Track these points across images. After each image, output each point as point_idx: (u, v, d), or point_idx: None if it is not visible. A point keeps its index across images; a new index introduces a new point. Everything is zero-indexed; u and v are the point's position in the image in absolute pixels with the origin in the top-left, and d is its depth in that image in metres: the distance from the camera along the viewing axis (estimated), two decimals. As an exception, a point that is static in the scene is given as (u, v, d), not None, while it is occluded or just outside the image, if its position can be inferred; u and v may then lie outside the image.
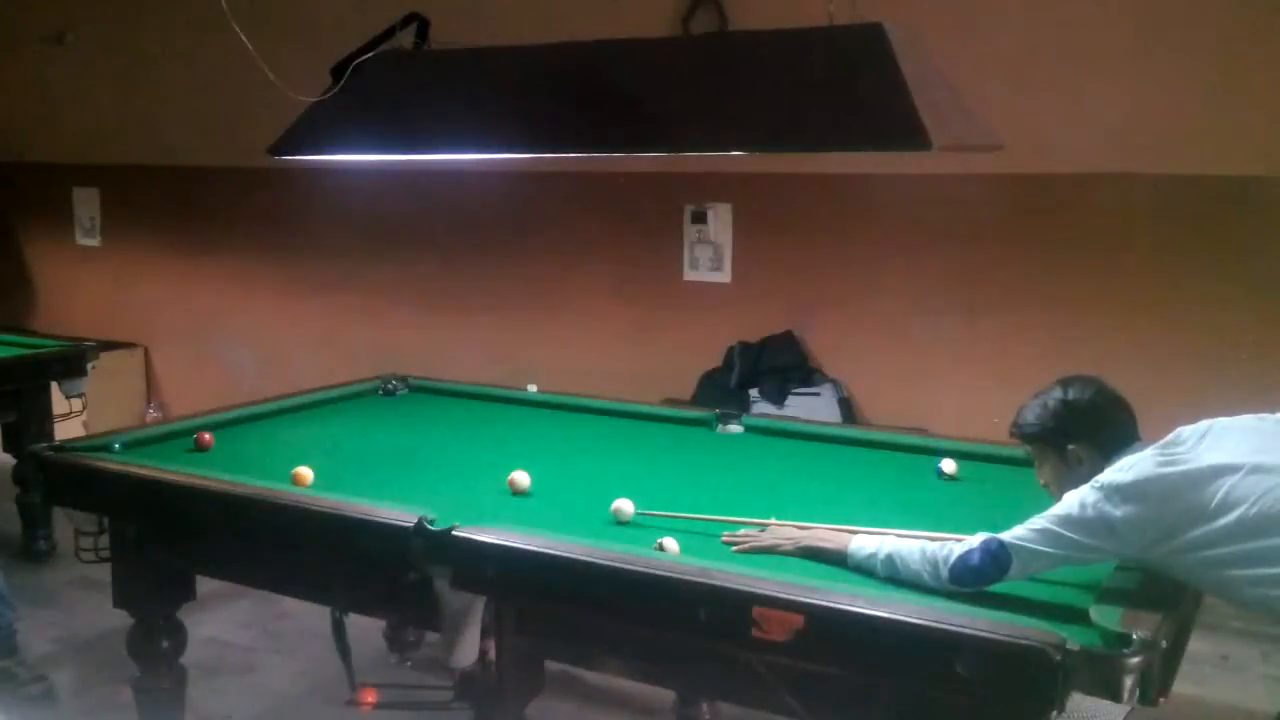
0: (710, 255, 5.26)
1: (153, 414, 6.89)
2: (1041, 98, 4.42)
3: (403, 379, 4.13)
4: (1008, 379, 4.81)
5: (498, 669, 2.46)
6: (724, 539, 2.45)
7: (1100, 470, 2.17)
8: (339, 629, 3.58)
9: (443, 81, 3.36)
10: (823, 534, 2.37)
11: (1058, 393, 2.32)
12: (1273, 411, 2.24)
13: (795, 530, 2.41)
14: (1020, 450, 3.17)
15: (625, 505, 2.59)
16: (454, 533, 2.37)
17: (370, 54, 3.36)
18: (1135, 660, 1.78)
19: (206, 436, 3.26)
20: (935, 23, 3.89)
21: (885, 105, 2.57)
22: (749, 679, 2.17)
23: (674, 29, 4.95)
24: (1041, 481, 2.38)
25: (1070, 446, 2.27)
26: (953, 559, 2.09)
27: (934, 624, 1.91)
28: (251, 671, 4.01)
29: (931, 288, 4.84)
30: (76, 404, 5.07)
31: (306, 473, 2.80)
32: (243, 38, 3.50)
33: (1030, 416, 2.34)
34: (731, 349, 5.10)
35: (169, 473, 2.87)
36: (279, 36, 4.13)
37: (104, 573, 3.10)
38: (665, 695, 3.51)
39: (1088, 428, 2.27)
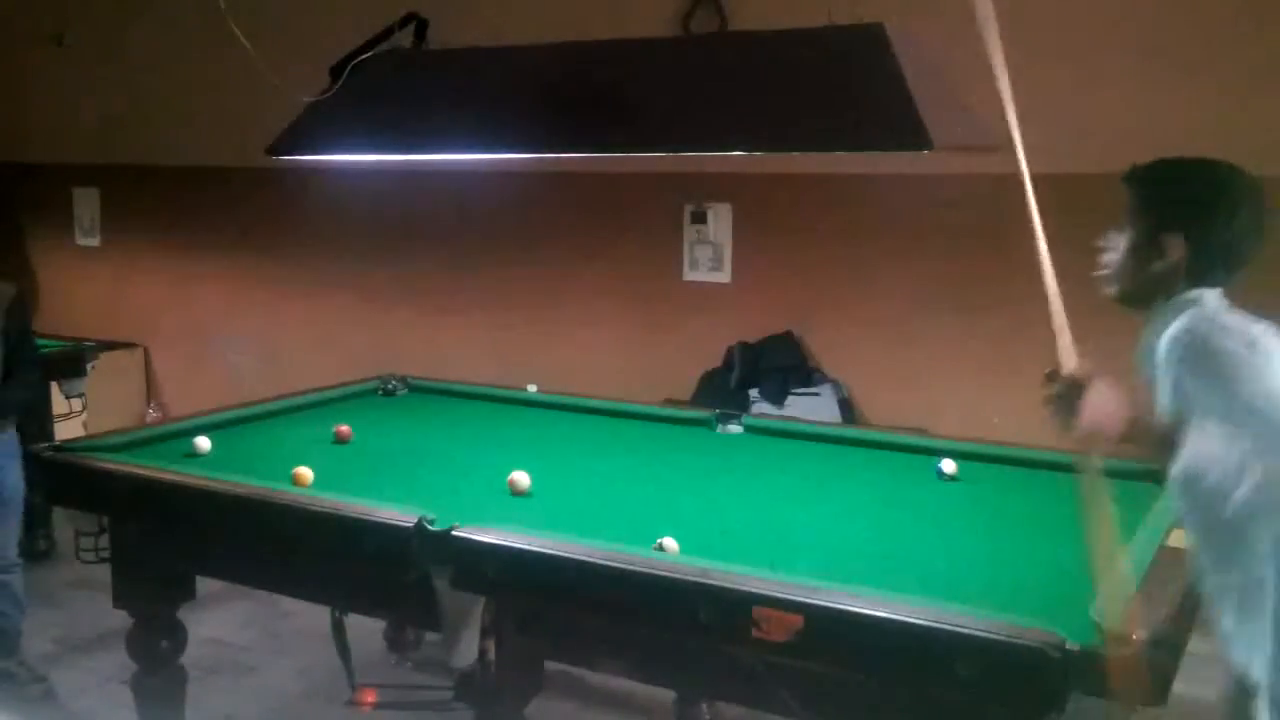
0: (710, 255, 5.26)
1: (153, 414, 6.88)
2: (1042, 98, 4.40)
3: (403, 379, 4.14)
4: (1008, 379, 4.82)
5: (498, 669, 2.46)
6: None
7: (1170, 289, 1.91)
8: (339, 629, 3.59)
9: (441, 81, 3.36)
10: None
11: (1224, 174, 1.95)
12: None
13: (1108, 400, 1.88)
14: (1021, 451, 3.17)
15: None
16: (454, 533, 2.37)
17: (369, 54, 3.36)
18: (1135, 660, 1.78)
19: (345, 429, 3.34)
20: (935, 23, 3.89)
21: (885, 105, 2.57)
22: (749, 679, 2.17)
23: (674, 29, 4.95)
24: (1107, 248, 2.04)
25: (1174, 237, 1.90)
26: None
27: (934, 624, 1.91)
28: (251, 671, 4.01)
29: (931, 288, 4.84)
30: (76, 404, 5.08)
31: (306, 473, 2.80)
32: (241, 38, 3.50)
33: (1166, 172, 1.98)
34: (731, 349, 5.10)
35: (169, 473, 2.87)
36: (278, 36, 4.13)
37: (104, 573, 3.10)
38: (665, 695, 3.51)
39: (1216, 242, 1.89)
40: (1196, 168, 1.95)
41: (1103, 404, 1.83)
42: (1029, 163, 2.01)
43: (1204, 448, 1.77)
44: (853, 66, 2.70)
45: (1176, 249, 1.90)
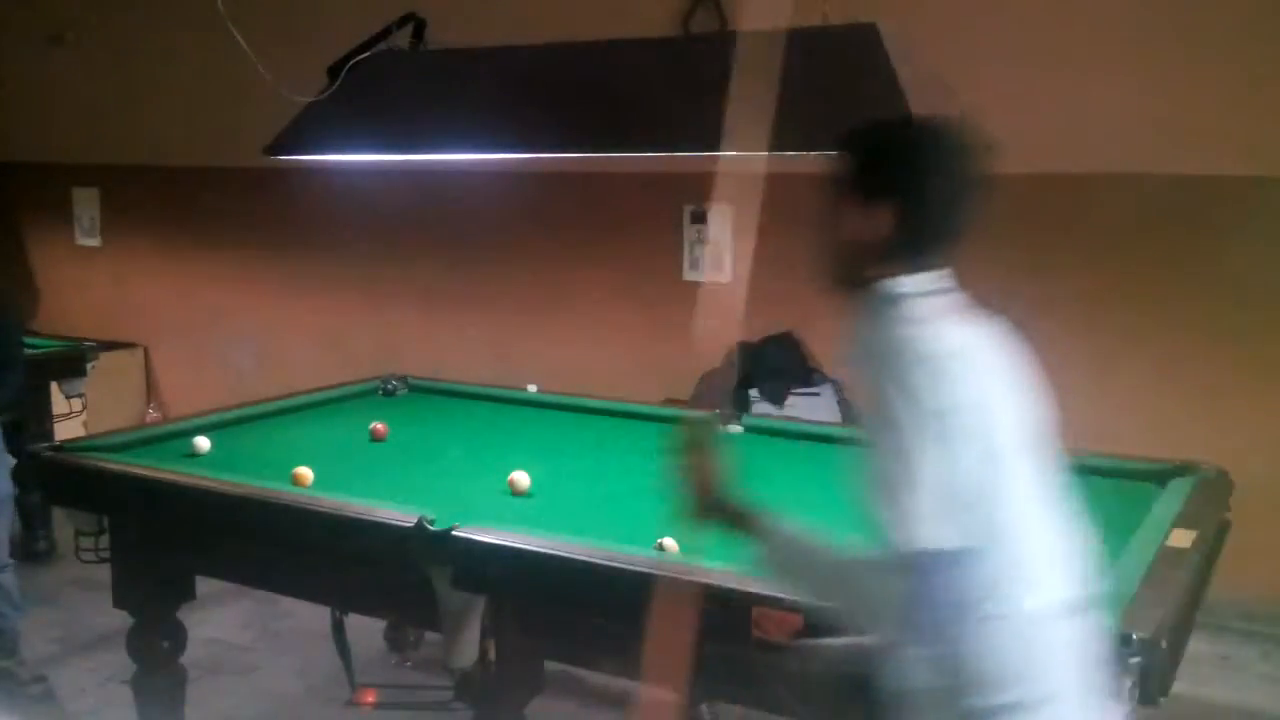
0: (710, 255, 5.26)
1: (153, 414, 6.89)
2: (1037, 98, 4.41)
3: (403, 379, 4.13)
4: (1007, 378, 4.82)
5: (498, 669, 2.47)
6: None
7: (872, 268, 1.61)
8: (339, 629, 3.59)
9: (440, 81, 3.36)
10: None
11: (928, 134, 1.65)
12: None
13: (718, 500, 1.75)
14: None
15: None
16: (454, 533, 2.37)
17: (367, 54, 3.36)
18: (1135, 660, 1.78)
19: (380, 427, 3.35)
20: (929, 23, 3.89)
21: (879, 105, 2.57)
22: (749, 679, 2.17)
23: (674, 29, 4.95)
24: (816, 230, 1.74)
25: (871, 207, 1.60)
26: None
27: (933, 624, 1.90)
28: (251, 671, 4.01)
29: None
30: (76, 404, 5.07)
31: (306, 473, 2.80)
32: (239, 39, 3.50)
33: (865, 135, 1.67)
34: (732, 349, 5.10)
35: (169, 473, 2.87)
36: (276, 37, 4.13)
37: (104, 573, 3.10)
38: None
39: (931, 207, 1.60)
40: (898, 129, 1.69)
41: (708, 468, 1.70)
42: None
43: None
44: (847, 67, 2.70)
45: (876, 221, 1.60)
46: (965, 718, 1.53)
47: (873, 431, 1.49)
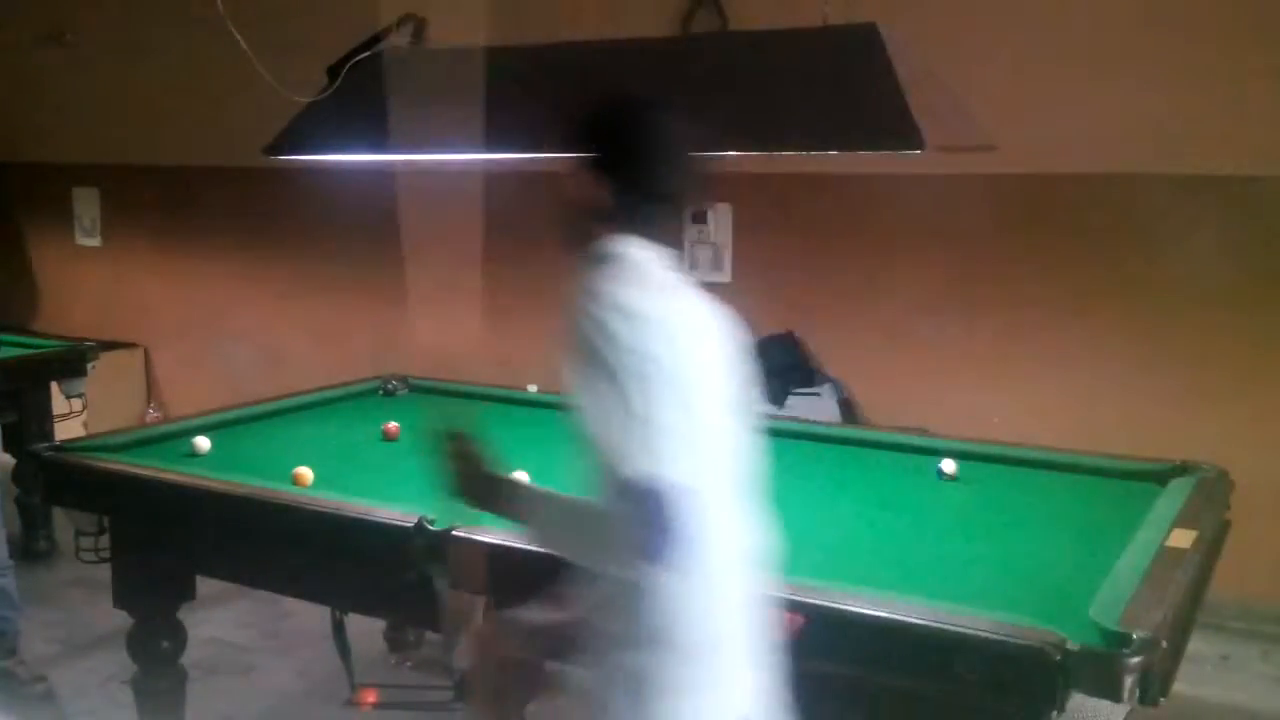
0: (710, 255, 5.26)
1: (153, 414, 6.89)
2: (1038, 98, 4.42)
3: (403, 379, 4.13)
4: (1008, 379, 4.83)
5: (498, 669, 2.46)
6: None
7: (595, 229, 1.75)
8: (339, 629, 3.59)
9: (439, 81, 3.36)
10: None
11: (653, 115, 1.78)
12: None
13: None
14: (1021, 451, 3.17)
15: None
16: (454, 533, 2.37)
17: (366, 54, 3.36)
18: (1135, 660, 1.78)
19: (393, 427, 3.39)
20: (929, 23, 3.89)
21: (879, 105, 2.57)
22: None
23: (674, 29, 4.95)
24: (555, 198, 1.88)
25: (603, 170, 1.74)
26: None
27: (934, 624, 1.91)
28: (251, 671, 4.01)
29: (932, 288, 4.84)
30: (76, 404, 5.08)
31: (306, 473, 2.80)
32: (239, 39, 3.50)
33: (591, 112, 1.80)
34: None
35: (169, 473, 2.87)
36: (276, 37, 4.13)
37: (104, 573, 3.10)
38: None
39: (645, 179, 1.75)
40: (625, 106, 1.81)
41: (468, 448, 1.86)
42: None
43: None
44: (847, 67, 2.70)
45: (598, 187, 1.74)
46: (637, 664, 1.62)
47: (581, 378, 1.58)
